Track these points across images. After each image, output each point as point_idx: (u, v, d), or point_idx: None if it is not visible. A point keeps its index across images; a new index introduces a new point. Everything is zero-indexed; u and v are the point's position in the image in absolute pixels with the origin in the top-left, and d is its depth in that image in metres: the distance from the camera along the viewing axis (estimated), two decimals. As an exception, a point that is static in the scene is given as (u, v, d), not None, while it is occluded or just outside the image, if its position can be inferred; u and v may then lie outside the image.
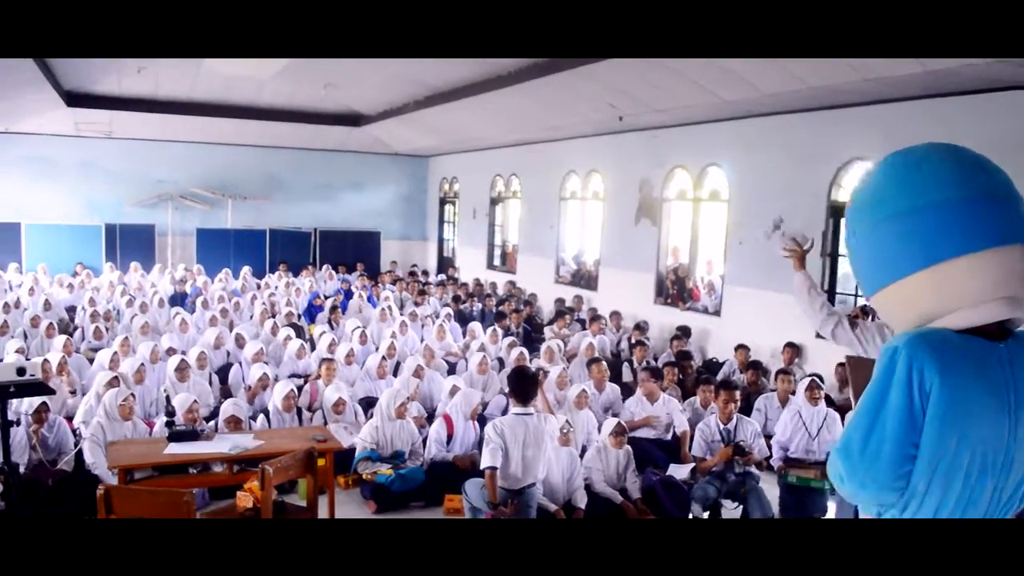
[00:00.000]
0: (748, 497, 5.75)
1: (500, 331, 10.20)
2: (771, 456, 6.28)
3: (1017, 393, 1.60)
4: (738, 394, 6.27)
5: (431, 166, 19.32)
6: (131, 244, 16.28)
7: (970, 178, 1.64)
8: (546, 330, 11.32)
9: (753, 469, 5.91)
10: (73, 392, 6.93)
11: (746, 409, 7.09)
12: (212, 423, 6.39)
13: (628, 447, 6.13)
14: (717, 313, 10.59)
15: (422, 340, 10.11)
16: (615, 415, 6.98)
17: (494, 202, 16.73)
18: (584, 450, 6.25)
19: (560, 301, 12.77)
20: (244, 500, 4.53)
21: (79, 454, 5.97)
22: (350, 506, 6.06)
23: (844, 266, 8.97)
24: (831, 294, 8.90)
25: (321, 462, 5.21)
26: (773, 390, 7.51)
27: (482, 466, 5.21)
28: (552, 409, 6.48)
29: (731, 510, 5.92)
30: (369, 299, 12.91)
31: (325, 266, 16.87)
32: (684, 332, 10.21)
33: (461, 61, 9.78)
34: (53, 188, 16.04)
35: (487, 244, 16.94)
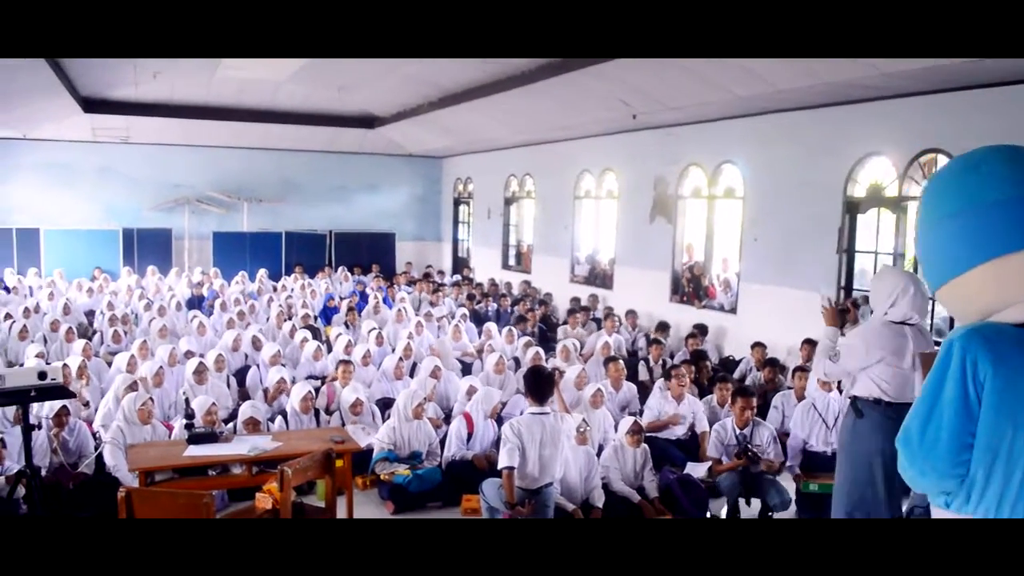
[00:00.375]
0: (765, 487, 5.77)
1: (516, 332, 10.19)
2: (786, 461, 6.24)
3: None
4: (754, 400, 6.25)
5: (445, 167, 19.35)
6: (148, 248, 16.41)
7: None
8: (559, 329, 11.31)
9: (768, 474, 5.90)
10: (87, 404, 7.00)
11: (763, 407, 7.05)
12: (231, 425, 6.41)
13: (645, 446, 6.12)
14: (733, 311, 10.54)
15: (438, 338, 10.13)
16: (632, 414, 6.96)
17: (508, 202, 16.73)
18: (601, 449, 6.24)
19: (575, 300, 12.74)
20: (263, 501, 4.55)
21: (99, 457, 6.02)
22: (368, 507, 6.07)
23: (860, 262, 8.92)
24: (848, 289, 8.86)
25: (339, 463, 5.24)
26: (790, 387, 7.46)
27: (499, 466, 5.21)
28: (568, 408, 6.49)
29: (749, 509, 5.90)
30: (385, 300, 12.94)
31: (340, 268, 16.93)
32: (700, 330, 10.16)
33: (474, 62, 9.78)
34: (71, 194, 16.20)
35: (502, 244, 16.94)
